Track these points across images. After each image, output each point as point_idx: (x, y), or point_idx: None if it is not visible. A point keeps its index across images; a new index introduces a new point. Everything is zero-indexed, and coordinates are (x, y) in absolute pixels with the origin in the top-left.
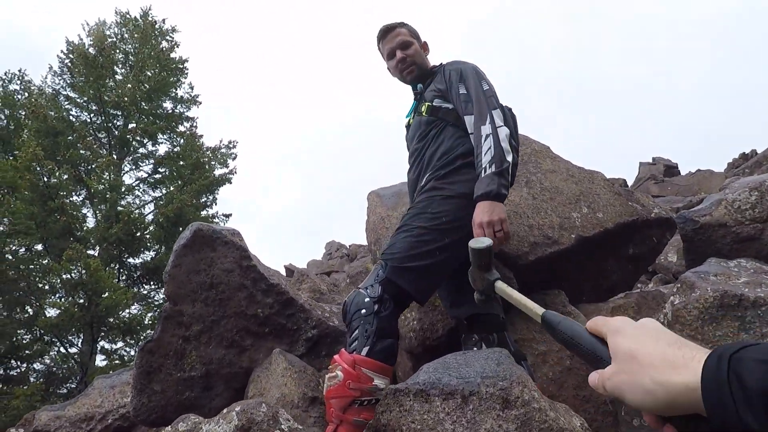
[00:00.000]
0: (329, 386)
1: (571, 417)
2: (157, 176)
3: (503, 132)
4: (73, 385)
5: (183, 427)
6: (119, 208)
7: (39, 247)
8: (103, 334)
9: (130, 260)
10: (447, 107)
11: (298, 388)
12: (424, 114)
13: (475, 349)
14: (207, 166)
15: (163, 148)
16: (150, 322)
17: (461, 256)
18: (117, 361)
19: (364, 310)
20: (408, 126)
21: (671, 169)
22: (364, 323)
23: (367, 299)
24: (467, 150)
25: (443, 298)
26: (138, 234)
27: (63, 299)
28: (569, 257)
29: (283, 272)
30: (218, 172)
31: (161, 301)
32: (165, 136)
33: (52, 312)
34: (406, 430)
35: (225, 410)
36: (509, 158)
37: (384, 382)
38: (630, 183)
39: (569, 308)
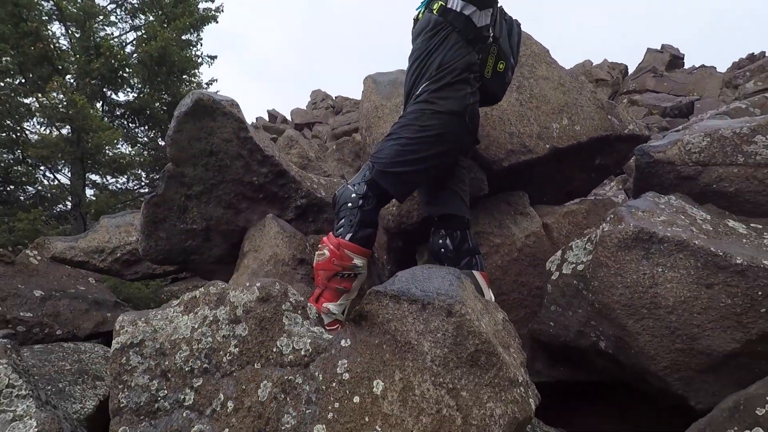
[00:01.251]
0: (318, 261)
1: (497, 313)
2: (134, 2)
3: None
4: (67, 209)
5: (213, 290)
6: (98, 39)
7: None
8: (93, 169)
9: (113, 97)
10: (456, 12)
11: (288, 249)
12: (435, 12)
13: (440, 242)
14: None
15: None
16: (139, 160)
17: (442, 165)
18: (110, 198)
19: (350, 204)
20: (416, 20)
21: (676, 60)
22: (350, 214)
23: (353, 195)
24: (466, 64)
25: (421, 195)
26: (120, 71)
27: (47, 129)
28: (540, 165)
29: (266, 117)
30: (203, 5)
31: (147, 140)
32: None
33: (33, 137)
34: (382, 317)
35: (248, 283)
36: None
37: (362, 262)
38: (631, 70)
39: (528, 209)
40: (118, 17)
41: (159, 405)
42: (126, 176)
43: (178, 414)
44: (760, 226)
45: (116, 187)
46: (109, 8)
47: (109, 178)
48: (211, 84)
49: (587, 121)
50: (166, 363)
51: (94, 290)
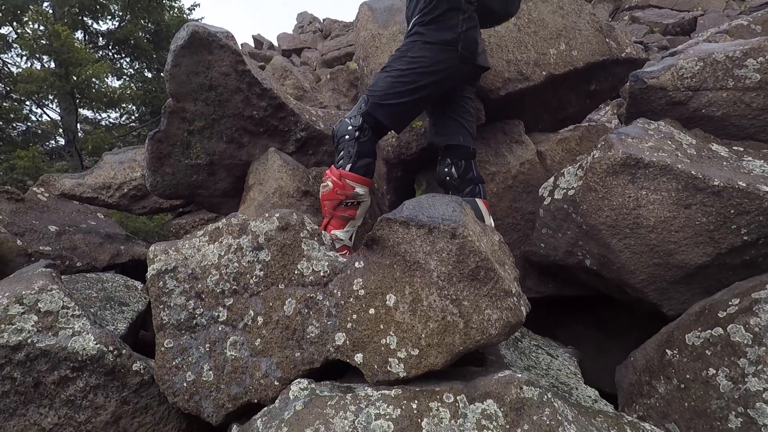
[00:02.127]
0: (323, 192)
1: (494, 235)
2: None
3: None
4: (59, 145)
5: (235, 221)
6: None
7: None
8: (84, 103)
9: (94, 26)
10: None
11: (292, 182)
12: None
13: (446, 170)
14: None
15: None
16: (129, 94)
17: (435, 95)
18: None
19: (347, 136)
20: None
21: None
22: (348, 146)
23: (350, 127)
24: None
25: (429, 125)
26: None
27: (28, 62)
28: (536, 93)
29: (251, 43)
30: None
31: (133, 72)
32: None
33: (15, 69)
34: (392, 241)
35: (267, 214)
36: None
37: (363, 190)
38: None
39: (523, 137)
40: None
41: (197, 321)
42: (117, 111)
43: (215, 328)
44: (742, 149)
45: (108, 122)
46: None
47: (100, 113)
48: (194, 9)
49: (585, 46)
50: (199, 286)
51: (104, 225)
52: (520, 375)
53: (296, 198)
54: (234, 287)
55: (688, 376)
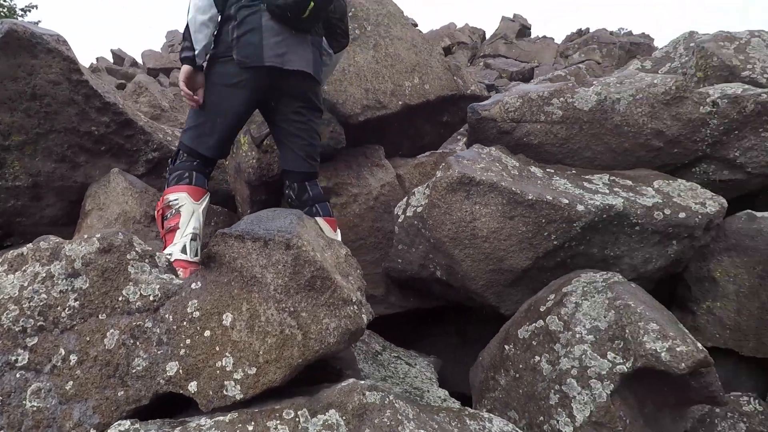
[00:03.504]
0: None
1: (340, 249)
2: None
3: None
4: None
5: (45, 245)
6: None
7: None
8: None
9: None
10: None
11: (139, 206)
12: None
13: (287, 192)
14: None
15: None
16: None
17: (239, 111)
18: None
19: (170, 160)
20: None
21: (524, 30)
22: (169, 170)
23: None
24: None
25: None
26: None
27: None
28: (394, 120)
29: (109, 57)
30: None
31: None
32: None
33: None
34: (228, 256)
35: (86, 236)
36: (188, 18)
37: (176, 195)
38: (488, 35)
39: (383, 161)
40: None
41: None
42: None
43: (10, 376)
44: (552, 171)
45: None
46: None
47: None
48: (29, 12)
49: (436, 81)
50: None
51: None
52: (363, 382)
53: (144, 224)
54: (40, 323)
55: (521, 366)
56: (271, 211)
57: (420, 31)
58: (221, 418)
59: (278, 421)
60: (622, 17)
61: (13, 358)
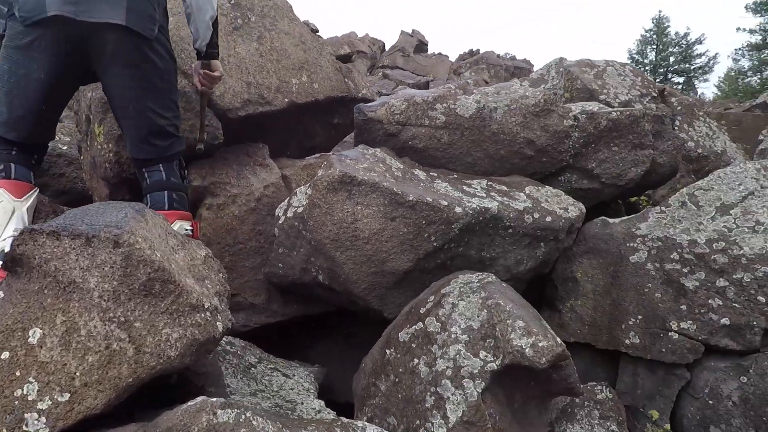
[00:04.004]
0: None
1: (198, 250)
2: None
3: None
4: None
5: None
6: None
7: None
8: None
9: None
10: None
11: None
12: None
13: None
14: None
15: None
16: None
17: (37, 82)
18: None
19: None
20: None
21: (422, 45)
22: None
23: None
24: None
25: None
26: None
27: None
28: (280, 118)
29: None
30: None
31: None
32: None
33: None
34: (39, 258)
35: None
36: None
37: None
38: (387, 47)
39: (267, 161)
40: None
41: None
42: None
43: None
44: (435, 174)
45: None
46: None
47: None
48: None
49: (326, 81)
50: None
51: None
52: (215, 399)
53: None
54: None
55: (400, 370)
56: (103, 204)
57: (309, 29)
58: None
59: None
60: (510, 43)
61: None
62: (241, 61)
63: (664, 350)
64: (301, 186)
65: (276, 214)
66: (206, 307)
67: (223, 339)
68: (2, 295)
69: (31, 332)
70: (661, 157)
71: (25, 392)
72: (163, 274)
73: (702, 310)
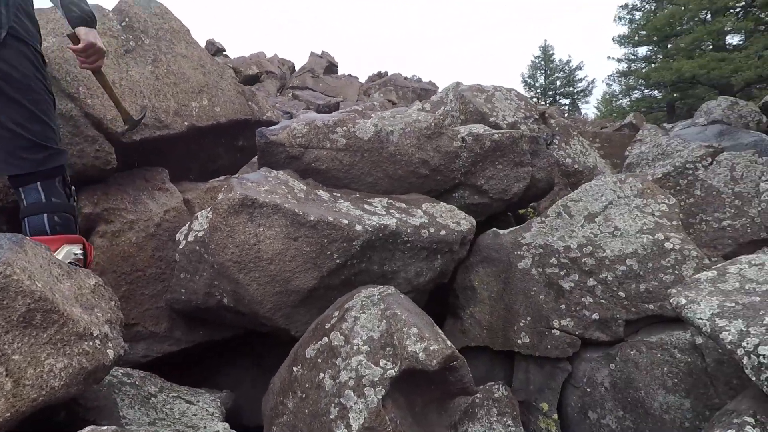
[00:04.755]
0: None
1: (87, 279)
2: None
3: None
4: None
5: None
6: None
7: None
8: None
9: None
10: None
11: None
12: None
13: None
14: None
15: None
16: None
17: None
18: None
19: None
20: None
21: (332, 66)
22: None
23: None
24: None
25: None
26: None
27: None
28: (180, 142)
29: None
30: None
31: None
32: None
33: None
34: None
35: None
36: None
37: None
38: (297, 68)
39: (167, 185)
40: None
41: None
42: None
43: None
44: (339, 194)
45: None
46: None
47: None
48: None
49: (228, 104)
50: None
51: None
52: (104, 428)
53: None
54: None
55: (307, 386)
56: None
57: (209, 54)
58: None
59: None
60: (416, 66)
61: None
62: (134, 84)
63: (549, 347)
64: (203, 209)
65: (176, 239)
66: (95, 335)
67: (120, 371)
68: None
69: None
70: (539, 173)
71: None
72: (45, 304)
73: (577, 308)
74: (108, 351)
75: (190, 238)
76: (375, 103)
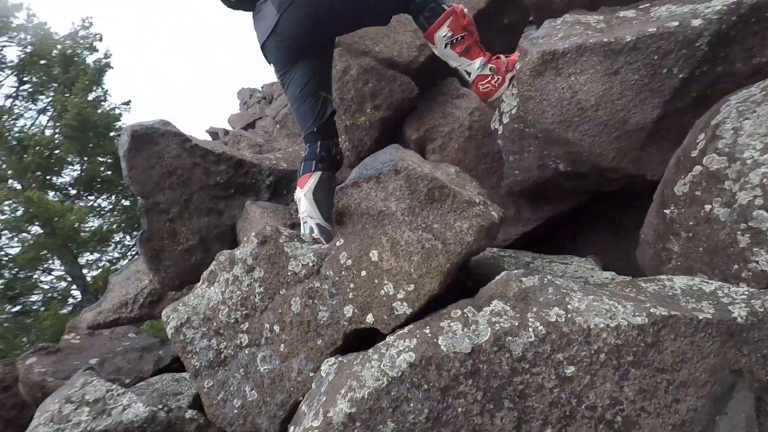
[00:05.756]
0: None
1: (448, 168)
2: (27, 87)
3: None
4: (79, 300)
5: (223, 258)
6: (15, 135)
7: None
8: (81, 249)
9: (60, 180)
10: None
11: (277, 222)
12: None
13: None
14: (76, 58)
15: (10, 54)
16: (115, 227)
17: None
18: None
19: None
20: None
21: None
22: None
23: None
24: None
25: None
26: (52, 154)
27: (14, 238)
28: None
29: (207, 137)
30: (91, 59)
31: (110, 206)
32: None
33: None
34: (353, 205)
35: (245, 238)
36: None
37: None
38: None
39: (461, 90)
40: (20, 108)
41: (224, 354)
42: (111, 245)
43: (242, 353)
44: (648, 5)
45: (106, 259)
46: (7, 104)
47: (96, 254)
48: (128, 105)
49: None
50: (215, 325)
51: (138, 340)
52: (516, 271)
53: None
54: (245, 312)
55: (691, 223)
56: (374, 154)
57: None
58: (401, 331)
59: (449, 321)
60: None
61: (238, 341)
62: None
63: None
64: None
65: (493, 128)
66: (477, 202)
67: (494, 250)
68: (342, 240)
69: (371, 254)
70: None
71: (386, 291)
72: (437, 182)
73: None
74: (492, 213)
75: (505, 120)
76: None
